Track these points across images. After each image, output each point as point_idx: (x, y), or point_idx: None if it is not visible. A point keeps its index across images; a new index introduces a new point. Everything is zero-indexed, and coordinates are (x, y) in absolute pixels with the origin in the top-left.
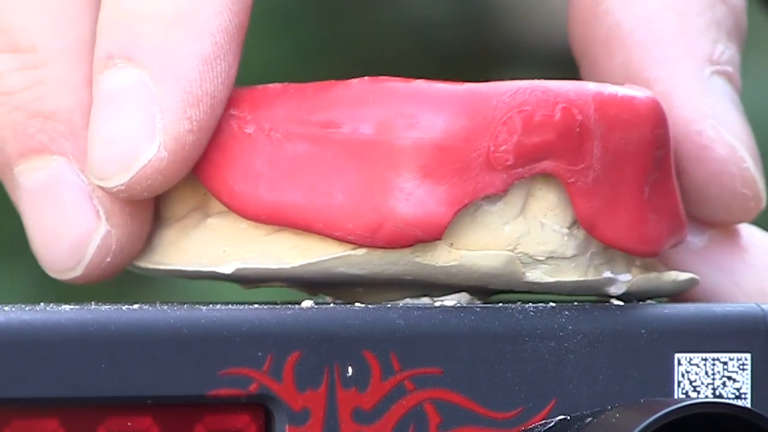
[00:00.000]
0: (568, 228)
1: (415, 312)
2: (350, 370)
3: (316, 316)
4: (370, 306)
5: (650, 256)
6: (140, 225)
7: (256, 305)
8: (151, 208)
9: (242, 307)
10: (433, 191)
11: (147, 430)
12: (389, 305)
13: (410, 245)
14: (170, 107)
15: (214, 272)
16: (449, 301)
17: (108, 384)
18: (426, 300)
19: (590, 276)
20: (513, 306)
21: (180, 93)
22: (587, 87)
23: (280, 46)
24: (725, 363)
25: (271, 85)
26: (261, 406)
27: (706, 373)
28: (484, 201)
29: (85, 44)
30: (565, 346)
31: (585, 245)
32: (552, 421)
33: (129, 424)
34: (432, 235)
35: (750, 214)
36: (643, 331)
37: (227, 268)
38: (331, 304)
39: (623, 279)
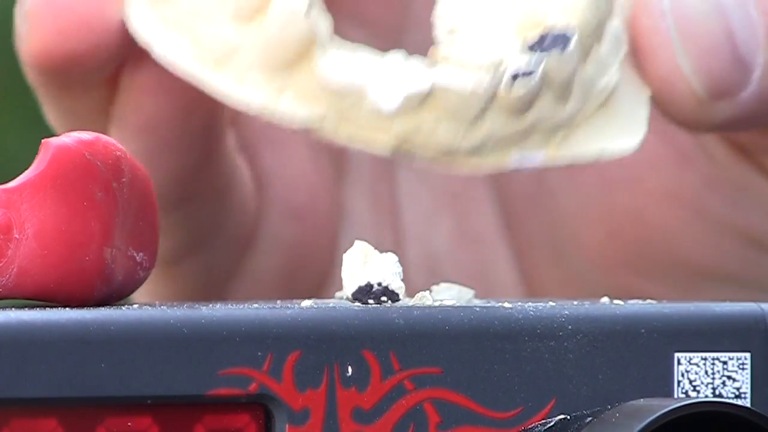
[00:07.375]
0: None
1: (415, 312)
2: (350, 369)
3: (315, 315)
4: (369, 306)
5: None
6: None
7: (255, 305)
8: None
9: (242, 306)
10: None
11: (146, 430)
12: (388, 305)
13: None
14: None
15: None
16: (449, 300)
17: (107, 384)
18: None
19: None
20: (512, 305)
21: None
22: None
23: None
24: (725, 362)
25: None
26: (261, 406)
27: (706, 372)
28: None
29: None
30: (565, 345)
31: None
32: (552, 421)
33: (129, 424)
34: None
35: None
36: (643, 330)
37: None
38: (331, 304)
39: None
